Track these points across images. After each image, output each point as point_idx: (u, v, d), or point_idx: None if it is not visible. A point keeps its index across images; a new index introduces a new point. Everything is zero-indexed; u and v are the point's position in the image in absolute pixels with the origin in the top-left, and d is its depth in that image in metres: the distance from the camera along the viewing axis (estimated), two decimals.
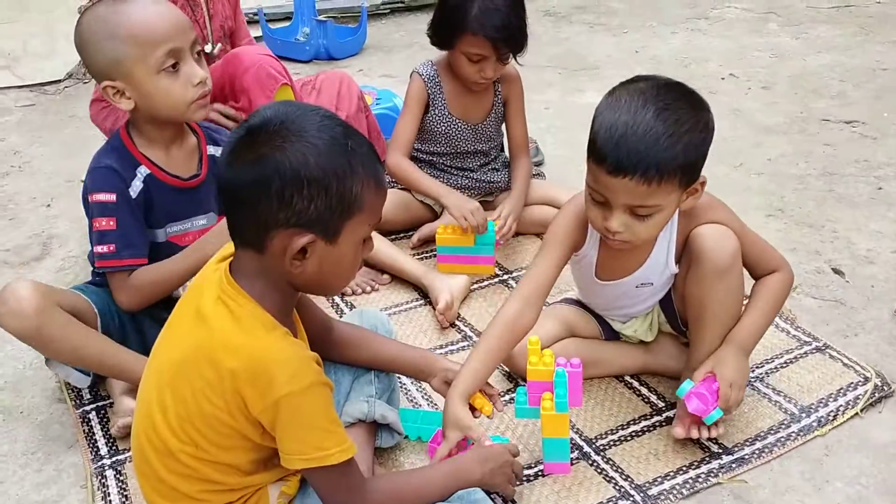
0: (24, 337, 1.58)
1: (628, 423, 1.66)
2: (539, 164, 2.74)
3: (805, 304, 2.03)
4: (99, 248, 1.62)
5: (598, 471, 1.55)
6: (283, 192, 1.11)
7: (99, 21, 1.55)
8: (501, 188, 2.39)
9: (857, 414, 1.66)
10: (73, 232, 2.45)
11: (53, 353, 1.63)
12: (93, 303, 1.67)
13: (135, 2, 1.56)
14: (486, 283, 2.17)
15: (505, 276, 2.19)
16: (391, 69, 3.81)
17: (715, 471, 1.54)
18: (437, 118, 2.29)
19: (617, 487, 1.51)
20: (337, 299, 2.10)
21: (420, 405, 1.73)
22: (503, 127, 2.40)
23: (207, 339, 1.16)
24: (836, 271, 2.16)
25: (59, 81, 3.69)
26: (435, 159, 2.36)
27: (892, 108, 3.20)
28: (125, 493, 1.53)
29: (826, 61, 3.72)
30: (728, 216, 1.59)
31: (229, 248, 1.24)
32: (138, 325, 1.72)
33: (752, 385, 1.75)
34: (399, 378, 1.68)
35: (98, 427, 1.69)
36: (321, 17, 4.03)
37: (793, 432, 1.62)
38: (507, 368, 1.79)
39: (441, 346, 1.92)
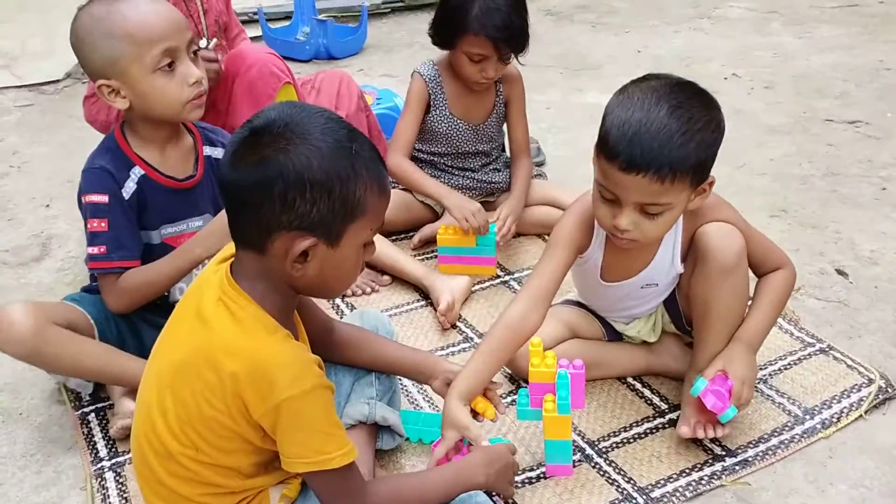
0: (22, 359, 1.58)
1: (631, 426, 1.65)
2: (540, 164, 2.73)
3: (809, 305, 2.02)
4: (91, 250, 1.61)
5: (601, 473, 1.54)
6: (286, 194, 1.10)
7: (95, 19, 1.54)
8: (503, 188, 2.38)
9: (861, 416, 1.65)
10: (72, 232, 2.45)
11: (55, 369, 1.63)
12: (88, 313, 1.65)
13: (131, 0, 1.55)
14: (487, 284, 2.16)
15: (506, 277, 2.18)
16: (392, 69, 3.80)
17: (718, 473, 1.53)
18: (439, 118, 2.28)
19: (619, 490, 1.50)
20: (338, 300, 2.09)
21: (421, 407, 1.72)
22: (504, 127, 2.39)
23: (208, 341, 1.15)
24: (839, 272, 2.15)
25: (58, 81, 3.68)
26: (436, 159, 2.35)
27: None
28: (125, 496, 1.52)
29: (829, 61, 3.71)
30: (732, 215, 1.59)
31: (230, 249, 1.24)
32: (136, 331, 1.71)
33: (756, 387, 1.73)
34: (400, 380, 1.67)
35: (97, 429, 1.68)
36: (321, 17, 4.03)
37: (796, 434, 1.61)
38: (509, 370, 1.78)
39: (442, 348, 1.92)
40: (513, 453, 1.45)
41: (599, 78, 3.59)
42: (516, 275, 2.18)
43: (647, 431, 1.64)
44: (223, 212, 1.60)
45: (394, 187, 2.30)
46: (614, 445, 1.61)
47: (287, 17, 4.22)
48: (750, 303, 1.63)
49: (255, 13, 4.11)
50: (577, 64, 3.81)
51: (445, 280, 2.06)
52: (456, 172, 2.35)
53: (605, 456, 1.58)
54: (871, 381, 1.73)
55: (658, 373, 1.77)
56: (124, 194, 1.62)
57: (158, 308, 1.71)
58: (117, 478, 1.56)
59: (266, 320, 1.16)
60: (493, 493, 1.46)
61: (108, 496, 1.52)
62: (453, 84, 2.27)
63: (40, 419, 1.73)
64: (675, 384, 1.75)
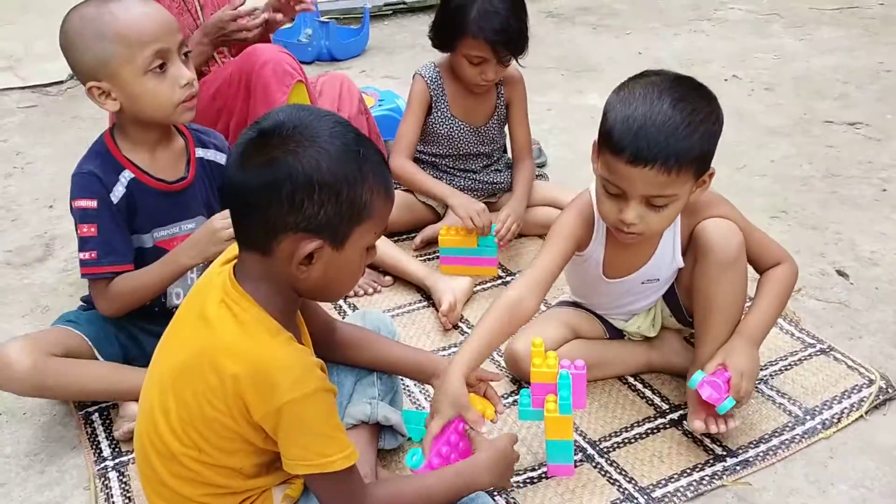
0: (27, 395, 1.59)
1: (632, 426, 1.66)
2: (542, 165, 2.74)
3: (809, 306, 2.02)
4: (81, 255, 1.60)
5: (602, 473, 1.55)
6: (294, 196, 1.10)
7: (86, 20, 1.53)
8: (504, 189, 2.39)
9: (861, 416, 1.66)
10: (75, 233, 2.45)
11: (61, 398, 1.64)
12: (85, 334, 1.64)
13: (122, 2, 1.53)
14: (489, 284, 2.17)
15: (508, 278, 2.19)
16: (393, 70, 3.81)
17: (719, 473, 1.53)
18: (440, 120, 2.29)
19: (621, 490, 1.51)
20: (340, 300, 2.10)
21: (423, 407, 1.73)
22: (506, 129, 2.40)
23: (210, 342, 1.15)
24: (840, 273, 2.16)
25: (62, 82, 3.70)
26: (437, 161, 2.36)
27: None
28: (128, 495, 1.53)
29: (829, 63, 3.71)
30: (731, 211, 1.61)
31: (233, 250, 1.24)
32: (137, 341, 1.71)
33: (757, 387, 1.74)
34: (402, 380, 1.68)
35: (101, 429, 1.69)
36: (324, 19, 4.03)
37: (797, 435, 1.62)
38: (510, 371, 1.79)
39: (444, 348, 1.92)
40: (514, 443, 1.44)
41: (600, 80, 3.60)
42: (518, 275, 2.19)
43: (649, 431, 1.64)
44: (208, 221, 1.61)
45: (395, 188, 2.31)
46: (615, 445, 1.61)
47: (289, 18, 4.22)
48: (751, 301, 1.64)
49: None
50: (578, 66, 3.82)
51: (447, 281, 2.07)
52: (457, 174, 2.36)
53: (606, 456, 1.59)
54: (871, 382, 1.74)
55: (660, 369, 1.78)
56: (113, 198, 1.60)
57: (157, 316, 1.70)
58: (121, 477, 1.57)
59: (269, 323, 1.16)
60: (494, 492, 1.46)
61: (112, 496, 1.53)
62: (454, 86, 2.27)
63: (44, 419, 1.74)
64: (676, 384, 1.75)
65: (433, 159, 2.36)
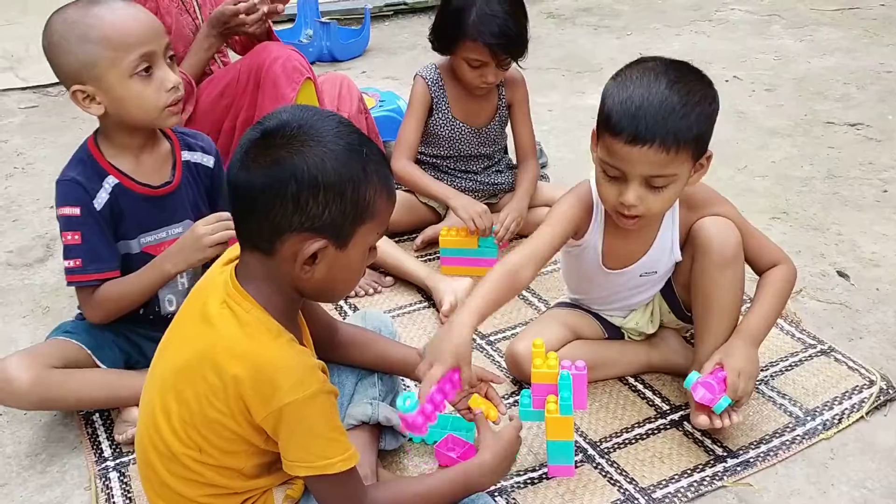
0: (30, 409, 1.59)
1: (633, 426, 1.66)
2: (543, 166, 2.73)
3: (810, 306, 2.02)
4: (66, 263, 1.59)
5: (603, 474, 1.55)
6: (299, 196, 1.10)
7: (69, 23, 1.50)
8: (505, 190, 2.39)
9: (862, 417, 1.66)
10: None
11: (65, 409, 1.64)
12: (83, 344, 1.63)
13: (107, 4, 1.52)
14: None
15: None
16: (394, 71, 3.81)
17: (720, 474, 1.54)
18: (441, 121, 2.29)
19: (622, 490, 1.51)
20: (341, 301, 2.10)
21: None
22: (507, 130, 2.40)
23: (212, 343, 1.15)
24: (841, 274, 2.16)
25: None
26: (438, 162, 2.36)
27: None
28: (129, 496, 1.53)
29: (830, 63, 3.71)
30: (731, 211, 1.63)
31: (234, 250, 1.24)
32: (136, 346, 1.71)
33: (757, 388, 1.74)
34: (402, 380, 1.68)
35: (102, 429, 1.69)
36: (324, 19, 4.03)
37: (798, 436, 1.62)
38: (511, 372, 1.79)
39: None
40: (518, 430, 1.43)
41: (601, 80, 3.55)
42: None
43: (649, 432, 1.64)
44: (192, 228, 1.60)
45: (397, 188, 2.31)
46: (616, 446, 1.61)
47: (290, 19, 4.23)
48: (749, 301, 1.64)
49: None
50: (579, 66, 3.82)
51: (448, 281, 2.07)
52: (458, 175, 2.36)
53: (607, 457, 1.59)
54: (872, 383, 1.74)
55: (660, 369, 1.78)
56: (96, 205, 1.58)
57: (154, 322, 1.70)
58: (121, 478, 1.57)
59: (270, 324, 1.16)
60: (495, 492, 1.46)
61: (113, 496, 1.53)
62: (455, 87, 2.27)
63: (45, 419, 1.74)
64: (677, 385, 1.75)
65: (434, 160, 2.36)
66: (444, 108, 2.28)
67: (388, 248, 2.15)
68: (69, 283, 1.61)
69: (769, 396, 1.72)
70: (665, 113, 1.40)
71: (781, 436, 1.62)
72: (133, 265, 1.64)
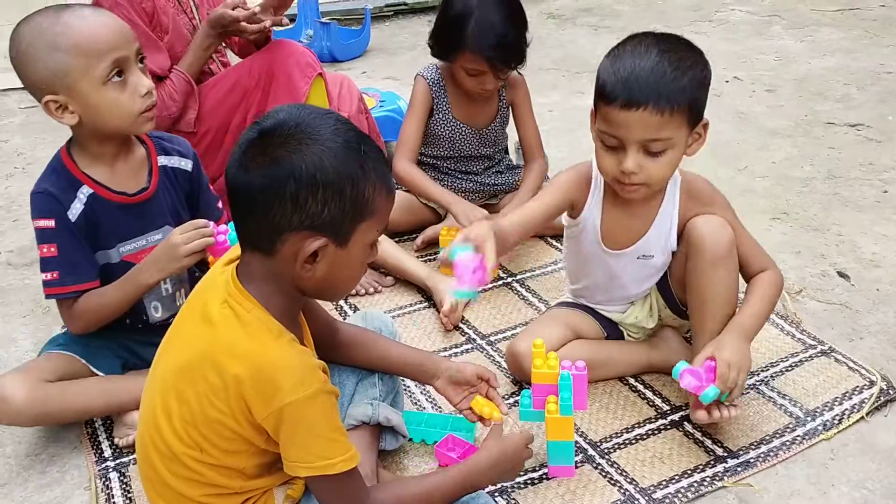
0: (30, 426, 1.59)
1: (633, 427, 1.66)
2: None
3: (810, 307, 2.02)
4: (44, 276, 1.57)
5: (603, 474, 1.55)
6: (298, 194, 1.10)
7: (38, 31, 1.46)
8: (506, 190, 2.39)
9: (862, 418, 1.66)
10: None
11: (66, 421, 1.63)
12: (77, 354, 1.62)
13: (75, 12, 1.48)
14: (490, 285, 2.16)
15: (509, 279, 2.19)
16: (395, 71, 3.81)
17: (720, 474, 1.54)
18: (441, 122, 2.29)
19: (622, 491, 1.51)
20: (341, 301, 2.10)
21: (424, 408, 1.73)
22: (507, 130, 2.40)
23: (213, 343, 1.15)
24: (841, 275, 2.16)
25: None
26: (439, 163, 2.36)
27: None
28: (129, 496, 1.53)
29: (830, 64, 3.71)
30: (728, 213, 1.65)
31: (235, 250, 1.24)
32: (132, 351, 1.70)
33: (757, 388, 1.74)
34: (403, 380, 1.68)
35: (102, 429, 1.69)
36: (325, 20, 4.03)
37: (798, 436, 1.62)
38: (512, 372, 1.79)
39: (445, 349, 1.92)
40: (528, 443, 1.43)
41: None
42: (519, 276, 2.19)
43: (650, 432, 1.64)
44: (167, 237, 1.58)
45: (396, 188, 2.31)
46: (616, 446, 1.61)
47: (291, 19, 4.23)
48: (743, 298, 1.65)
49: None
50: (579, 67, 3.82)
51: (448, 281, 2.06)
52: (459, 176, 2.36)
53: (607, 457, 1.59)
54: (872, 384, 1.74)
55: (660, 368, 1.78)
56: (70, 216, 1.55)
57: (144, 331, 1.70)
58: (121, 478, 1.57)
59: (271, 324, 1.16)
60: (495, 492, 1.46)
61: (113, 496, 1.53)
62: (456, 88, 2.27)
63: None
64: (677, 385, 1.74)
65: (434, 161, 2.36)
66: (444, 108, 2.29)
67: (388, 248, 2.15)
68: (47, 296, 1.60)
69: (769, 397, 1.72)
70: (657, 76, 1.44)
71: (782, 436, 1.62)
72: (114, 275, 1.62)
